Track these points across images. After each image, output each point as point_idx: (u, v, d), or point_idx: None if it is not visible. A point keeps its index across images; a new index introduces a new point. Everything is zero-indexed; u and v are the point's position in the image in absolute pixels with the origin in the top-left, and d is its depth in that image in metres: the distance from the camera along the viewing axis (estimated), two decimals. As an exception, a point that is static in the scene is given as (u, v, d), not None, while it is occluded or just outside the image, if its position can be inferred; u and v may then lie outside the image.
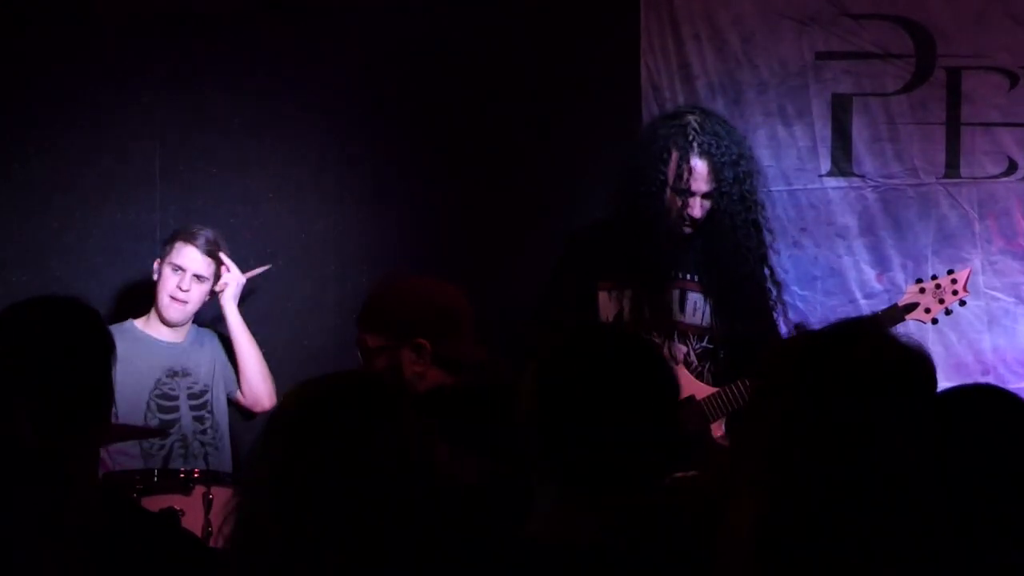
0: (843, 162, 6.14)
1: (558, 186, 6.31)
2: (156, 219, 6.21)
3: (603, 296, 5.46)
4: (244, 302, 6.06)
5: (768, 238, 5.61)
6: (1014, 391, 2.89)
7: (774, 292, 5.59)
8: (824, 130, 6.14)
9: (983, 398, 2.86)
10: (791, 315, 5.81)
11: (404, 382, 3.74)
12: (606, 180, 6.29)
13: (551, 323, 5.45)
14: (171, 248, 5.86)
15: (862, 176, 6.13)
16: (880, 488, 2.67)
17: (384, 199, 6.39)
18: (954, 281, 5.59)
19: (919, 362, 3.28)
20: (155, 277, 5.88)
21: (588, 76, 6.27)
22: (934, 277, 5.61)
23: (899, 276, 6.12)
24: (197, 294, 5.84)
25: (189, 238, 5.84)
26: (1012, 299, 6.04)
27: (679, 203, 5.37)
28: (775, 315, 5.61)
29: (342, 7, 6.35)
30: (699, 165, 5.37)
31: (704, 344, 5.45)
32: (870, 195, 6.07)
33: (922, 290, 5.54)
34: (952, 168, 6.14)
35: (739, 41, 6.17)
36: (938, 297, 5.50)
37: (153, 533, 2.82)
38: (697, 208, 5.37)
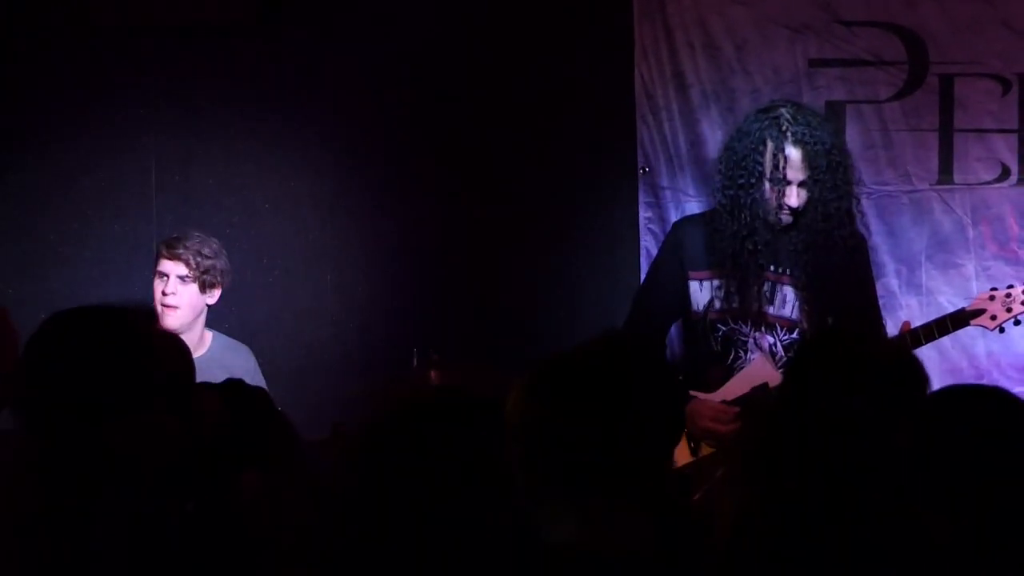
0: (837, 169, 6.14)
1: (553, 193, 6.33)
2: (153, 231, 6.21)
3: (694, 286, 5.51)
4: (242, 311, 6.07)
5: (863, 231, 5.64)
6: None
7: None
8: (818, 137, 6.14)
9: (978, 398, 2.87)
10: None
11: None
12: (600, 187, 6.33)
13: (643, 311, 5.55)
14: (155, 259, 5.77)
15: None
16: (863, 483, 2.69)
17: (381, 209, 6.41)
18: None
19: (905, 362, 3.32)
20: None
21: (582, 85, 6.29)
22: (1011, 286, 5.57)
23: (893, 282, 6.13)
24: (185, 296, 5.70)
25: (166, 246, 5.73)
26: (1006, 305, 6.04)
27: (777, 193, 5.41)
28: (878, 307, 5.65)
29: (339, 21, 6.37)
30: (793, 153, 5.40)
31: (793, 336, 5.48)
32: (864, 201, 6.07)
33: (992, 297, 5.51)
34: (945, 174, 6.16)
35: (733, 49, 6.19)
36: (1006, 306, 5.47)
37: None
38: (794, 197, 5.40)
